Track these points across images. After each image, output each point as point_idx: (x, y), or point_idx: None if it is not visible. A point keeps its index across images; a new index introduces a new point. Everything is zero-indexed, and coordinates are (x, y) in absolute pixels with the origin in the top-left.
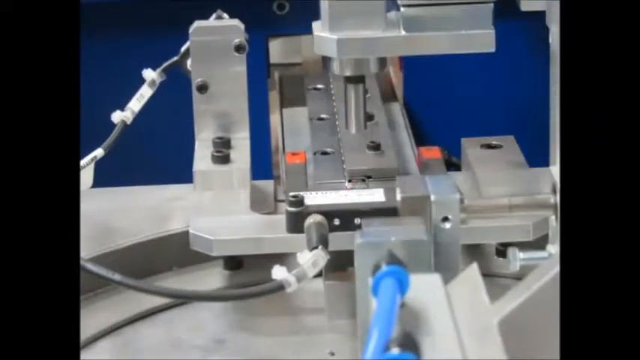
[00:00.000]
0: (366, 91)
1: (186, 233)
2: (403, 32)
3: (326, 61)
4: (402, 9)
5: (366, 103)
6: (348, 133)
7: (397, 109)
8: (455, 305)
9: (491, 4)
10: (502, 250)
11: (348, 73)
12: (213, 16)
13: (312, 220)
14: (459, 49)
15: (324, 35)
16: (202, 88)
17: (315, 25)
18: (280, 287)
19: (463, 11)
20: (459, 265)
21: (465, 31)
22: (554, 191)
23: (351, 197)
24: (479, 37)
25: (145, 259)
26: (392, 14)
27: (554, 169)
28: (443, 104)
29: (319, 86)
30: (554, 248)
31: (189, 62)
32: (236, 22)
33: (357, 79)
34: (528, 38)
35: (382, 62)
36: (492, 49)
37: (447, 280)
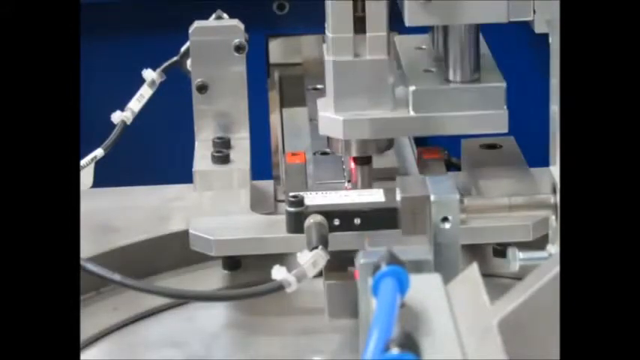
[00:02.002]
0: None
1: (186, 233)
2: (412, 113)
3: (330, 140)
4: (410, 87)
5: (372, 182)
6: None
7: None
8: (455, 305)
9: (504, 85)
10: (500, 250)
11: (354, 154)
12: (213, 16)
13: (312, 220)
14: (470, 129)
15: (329, 115)
16: (202, 88)
17: (320, 104)
18: (280, 287)
19: (475, 91)
20: (459, 265)
21: (476, 112)
22: (554, 191)
23: (351, 197)
24: (491, 118)
25: (145, 259)
26: (400, 90)
27: (554, 169)
28: None
29: (319, 86)
30: (554, 248)
31: (189, 62)
32: (236, 22)
33: (364, 160)
34: (528, 38)
35: (390, 141)
36: (505, 130)
37: (447, 280)
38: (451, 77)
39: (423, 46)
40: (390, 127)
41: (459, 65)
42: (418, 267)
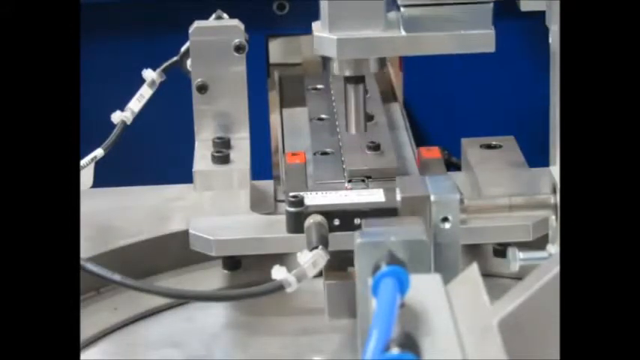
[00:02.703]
0: (366, 92)
1: (186, 233)
2: (403, 32)
3: (325, 61)
4: (402, 9)
5: (366, 103)
6: (347, 133)
7: (397, 109)
8: (455, 305)
9: (491, 4)
10: (500, 250)
11: (347, 74)
12: (213, 16)
13: (312, 220)
14: (459, 49)
15: (323, 35)
16: (202, 88)
17: (315, 26)
18: (280, 287)
19: (463, 11)
20: (459, 265)
21: (465, 31)
22: (554, 191)
23: (351, 197)
24: (479, 37)
25: (145, 259)
26: (392, 14)
27: (554, 169)
28: (443, 104)
29: (319, 86)
30: (554, 248)
31: (189, 62)
32: (236, 22)
33: (357, 80)
34: (528, 38)
35: (381, 62)
36: (492, 49)
37: (447, 280)
38: None
39: None
40: (381, 46)
41: None
42: (413, 247)
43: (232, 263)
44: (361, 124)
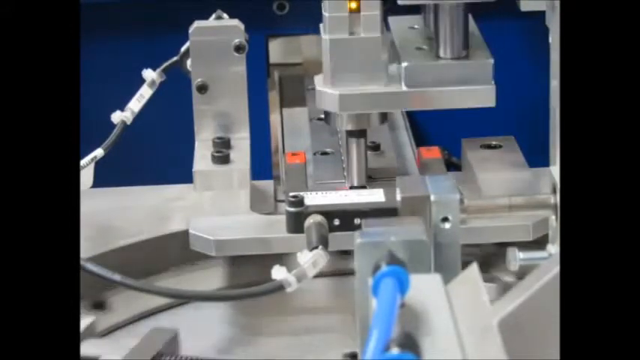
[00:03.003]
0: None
1: (186, 233)
2: (404, 87)
3: (327, 114)
4: (403, 63)
5: (367, 157)
6: (349, 186)
7: None
8: (455, 305)
9: (491, 61)
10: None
11: (349, 128)
12: (213, 16)
13: (312, 220)
14: (459, 104)
15: (326, 91)
16: (202, 88)
17: (317, 80)
18: (280, 287)
19: (464, 67)
20: (459, 265)
21: (465, 87)
22: (554, 191)
23: (351, 197)
24: (479, 93)
25: (145, 259)
26: (393, 67)
27: (554, 169)
28: None
29: None
30: (554, 248)
31: (189, 62)
32: (236, 22)
33: (359, 134)
34: (528, 38)
35: (383, 116)
36: (493, 105)
37: (447, 280)
38: (441, 54)
39: (416, 26)
40: (383, 101)
41: (448, 42)
42: (413, 247)
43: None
44: (363, 177)
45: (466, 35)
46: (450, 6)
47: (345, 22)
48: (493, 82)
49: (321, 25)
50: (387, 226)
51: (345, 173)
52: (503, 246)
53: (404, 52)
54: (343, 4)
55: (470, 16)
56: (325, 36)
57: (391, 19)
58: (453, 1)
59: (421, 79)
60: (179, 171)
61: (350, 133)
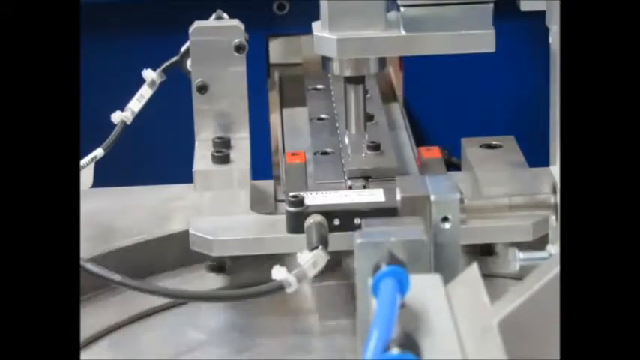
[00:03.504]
0: (366, 92)
1: (186, 233)
2: (403, 32)
3: (325, 61)
4: (402, 9)
5: (366, 103)
6: (348, 133)
7: (397, 109)
8: (455, 305)
9: (492, 5)
10: (486, 249)
11: (347, 74)
12: (213, 16)
13: (312, 220)
14: (459, 49)
15: (323, 35)
16: (202, 88)
17: (315, 26)
18: (280, 287)
19: (463, 11)
20: (459, 265)
21: (465, 32)
22: (554, 191)
23: (351, 197)
24: (479, 37)
25: (145, 259)
26: (392, 14)
27: (554, 169)
28: (443, 104)
29: (319, 86)
30: (554, 248)
31: (189, 62)
32: (236, 22)
33: (357, 80)
34: (528, 38)
35: (382, 62)
36: (492, 49)
37: (447, 280)
38: None
39: None
40: (381, 46)
41: None
42: (413, 247)
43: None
44: (361, 124)
45: None
46: None
47: None
48: (493, 27)
49: None
50: (387, 226)
51: (344, 122)
52: None
53: None
54: None
55: None
56: None
57: None
58: (452, 4)
59: (420, 24)
60: (179, 171)
61: (348, 80)
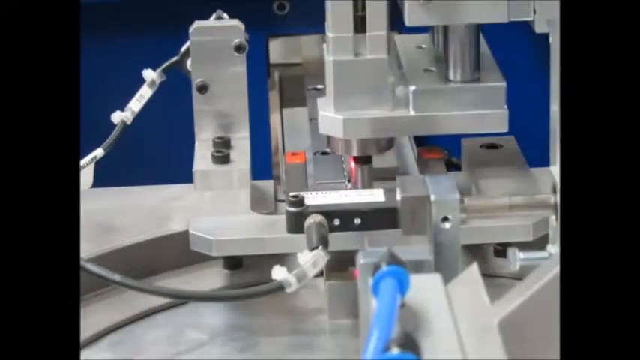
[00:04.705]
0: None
1: (186, 233)
2: (412, 112)
3: (330, 140)
4: (411, 87)
5: (372, 182)
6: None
7: None
8: (455, 305)
9: (504, 84)
10: (501, 250)
11: (354, 154)
12: (213, 16)
13: (312, 220)
14: (470, 129)
15: (329, 115)
16: (202, 88)
17: (320, 103)
18: (280, 287)
19: (475, 91)
20: (459, 265)
21: (476, 111)
22: (554, 191)
23: (351, 197)
24: (491, 117)
25: (145, 259)
26: (400, 90)
27: (554, 169)
28: None
29: (319, 86)
30: (554, 248)
31: (189, 62)
32: (236, 22)
33: (365, 160)
34: (528, 38)
35: (390, 141)
36: (505, 130)
37: (447, 280)
38: (451, 77)
39: (424, 46)
40: (390, 127)
41: (459, 64)
42: (418, 267)
43: (233, 263)
44: None
45: (477, 57)
46: (461, 26)
47: (350, 42)
48: (506, 107)
49: (324, 46)
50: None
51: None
52: None
53: (411, 75)
54: (348, 24)
55: (481, 36)
56: (329, 57)
57: (397, 38)
58: (464, 23)
59: (430, 103)
60: (179, 171)
61: (355, 160)
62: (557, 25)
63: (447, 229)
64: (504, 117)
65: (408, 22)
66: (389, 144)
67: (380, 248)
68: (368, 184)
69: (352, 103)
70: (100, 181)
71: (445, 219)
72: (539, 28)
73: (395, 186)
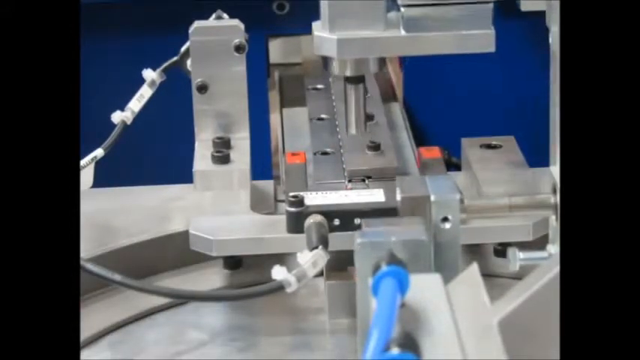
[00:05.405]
0: (366, 91)
1: (186, 233)
2: (403, 32)
3: (325, 61)
4: (402, 9)
5: (366, 103)
6: (348, 133)
7: (397, 109)
8: (455, 305)
9: (492, 5)
10: (501, 250)
11: (348, 74)
12: (213, 16)
13: (312, 220)
14: (459, 49)
15: (323, 35)
16: (202, 88)
17: (315, 26)
18: (280, 287)
19: (463, 11)
20: (459, 265)
21: (465, 32)
22: (554, 191)
23: (351, 197)
24: (479, 37)
25: (145, 259)
26: (392, 14)
27: (554, 169)
28: (443, 104)
29: (319, 86)
30: (554, 248)
31: (189, 62)
32: (236, 22)
33: (357, 80)
34: (528, 38)
35: (382, 62)
36: (492, 49)
37: (447, 280)
38: None
39: None
40: (382, 46)
41: None
42: (413, 247)
43: (233, 263)
44: (361, 124)
45: None
46: None
47: None
48: (493, 27)
49: None
50: (387, 226)
51: (344, 121)
52: None
53: None
54: None
55: None
56: None
57: None
58: (452, 4)
59: (420, 24)
60: (179, 171)
61: (348, 80)
62: (557, 24)
63: (447, 229)
64: (491, 36)
65: (400, 1)
66: (381, 65)
67: (376, 228)
68: (362, 105)
69: (345, 24)
70: (100, 181)
71: (445, 219)
72: (525, 6)
73: (395, 186)
